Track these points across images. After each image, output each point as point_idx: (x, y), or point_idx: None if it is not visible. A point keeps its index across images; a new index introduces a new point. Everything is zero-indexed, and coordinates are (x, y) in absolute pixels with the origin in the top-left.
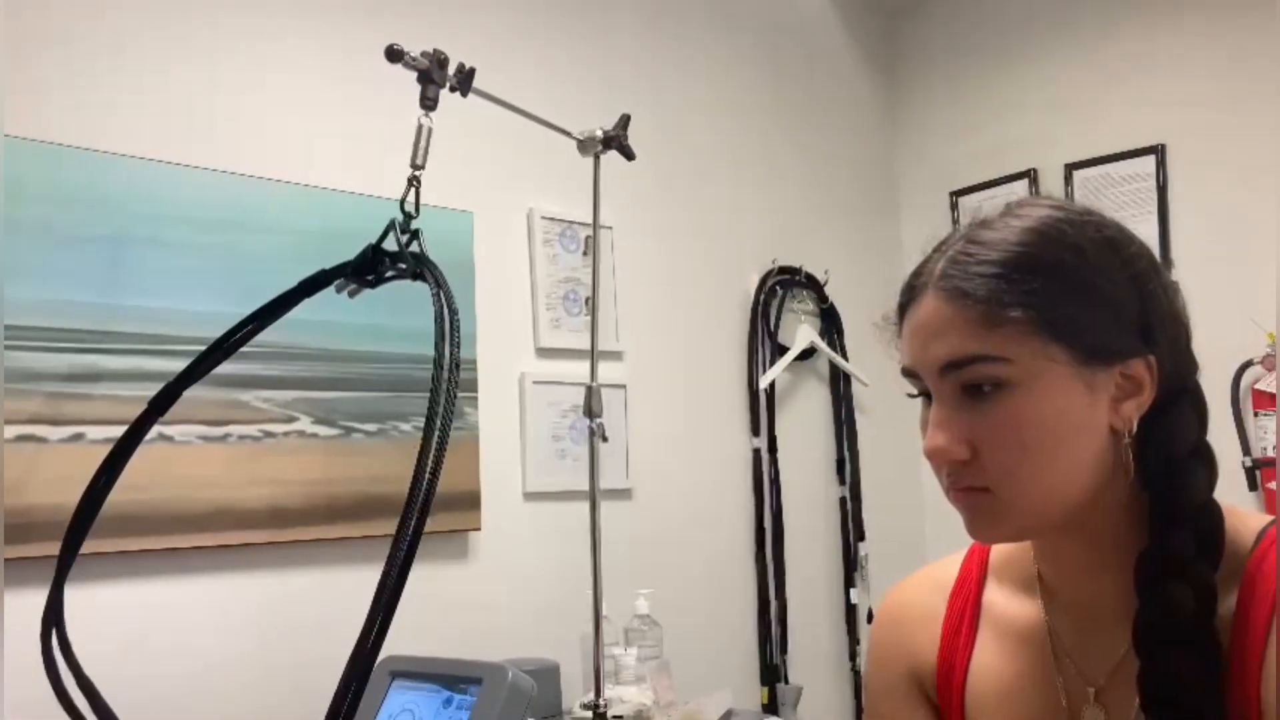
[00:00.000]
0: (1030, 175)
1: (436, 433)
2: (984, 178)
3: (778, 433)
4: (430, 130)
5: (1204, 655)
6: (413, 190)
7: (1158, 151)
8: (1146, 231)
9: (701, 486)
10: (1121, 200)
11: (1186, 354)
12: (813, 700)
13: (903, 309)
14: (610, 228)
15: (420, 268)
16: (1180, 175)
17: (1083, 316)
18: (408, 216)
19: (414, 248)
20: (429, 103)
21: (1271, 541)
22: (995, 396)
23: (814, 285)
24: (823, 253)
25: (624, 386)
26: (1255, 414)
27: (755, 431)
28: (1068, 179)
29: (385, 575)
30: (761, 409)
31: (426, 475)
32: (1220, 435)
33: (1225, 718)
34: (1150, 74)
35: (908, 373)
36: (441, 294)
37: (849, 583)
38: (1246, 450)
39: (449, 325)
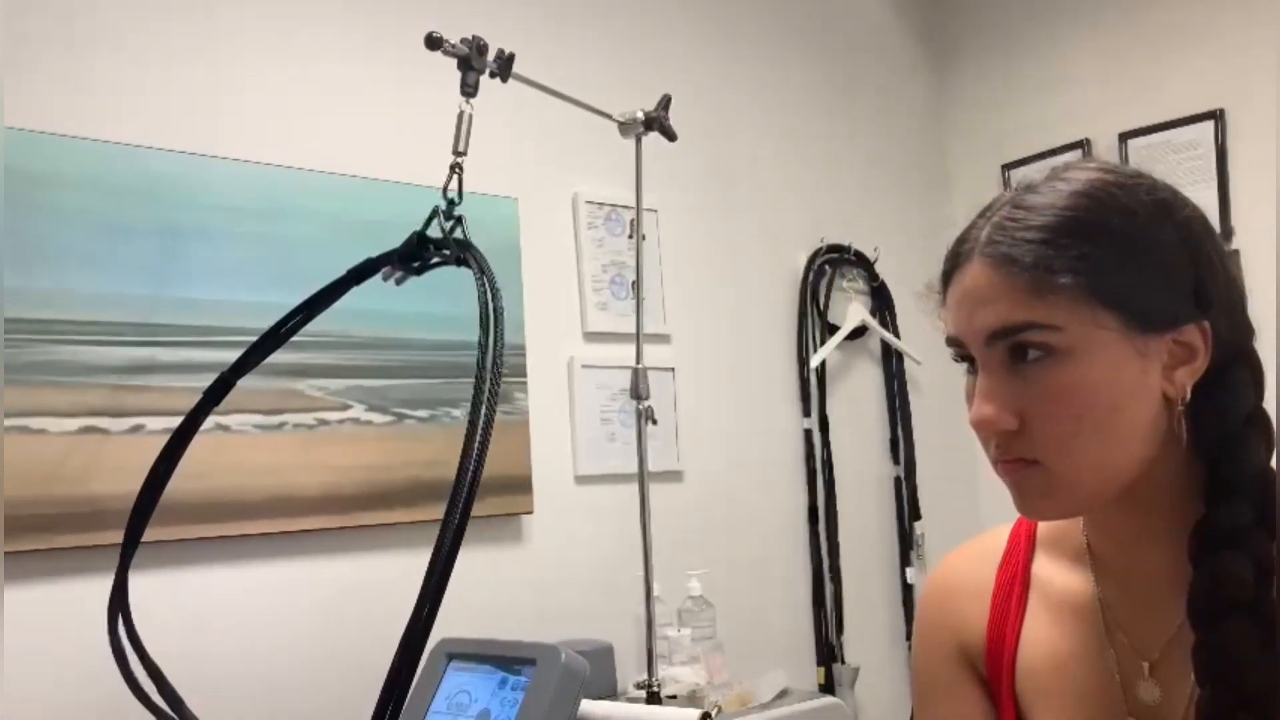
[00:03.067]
0: (1083, 145)
1: (485, 406)
2: (1036, 149)
3: (829, 413)
4: (471, 117)
5: (1262, 627)
6: (455, 177)
7: (1217, 117)
8: (1205, 200)
9: (752, 467)
10: (1178, 169)
11: (1242, 319)
12: (870, 680)
13: (947, 276)
14: (655, 210)
15: (464, 253)
16: (1240, 141)
17: (1134, 282)
18: (450, 203)
19: (457, 234)
20: (469, 89)
21: None
22: (1044, 365)
23: (864, 263)
24: (872, 230)
25: (672, 369)
26: None
27: (806, 412)
28: (1122, 148)
29: (438, 546)
30: (812, 389)
31: (475, 454)
32: None
33: None
34: (1207, 37)
35: (952, 341)
36: (485, 279)
37: (905, 562)
38: None
39: (492, 309)
